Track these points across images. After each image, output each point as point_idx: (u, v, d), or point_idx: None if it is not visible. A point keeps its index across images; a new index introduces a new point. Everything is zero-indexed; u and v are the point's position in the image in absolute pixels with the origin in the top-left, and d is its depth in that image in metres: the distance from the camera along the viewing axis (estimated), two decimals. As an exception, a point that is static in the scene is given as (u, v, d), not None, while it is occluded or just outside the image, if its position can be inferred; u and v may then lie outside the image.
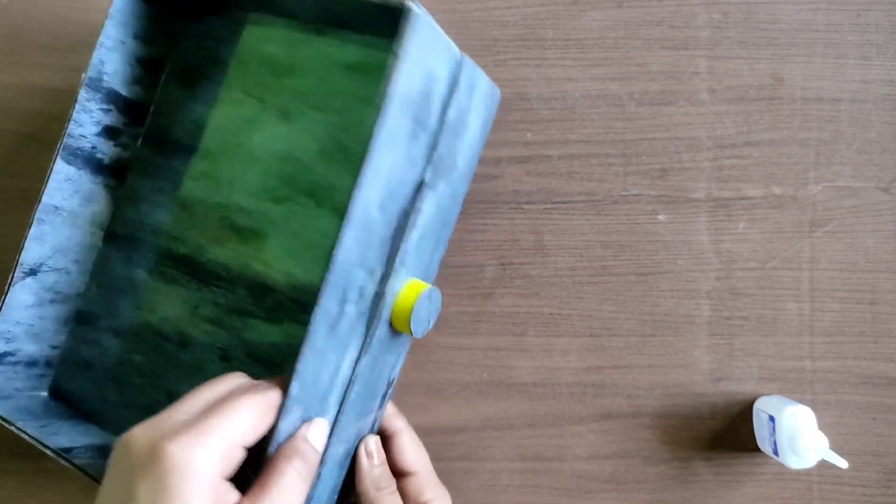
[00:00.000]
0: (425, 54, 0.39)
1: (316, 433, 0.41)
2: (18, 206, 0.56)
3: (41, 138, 0.56)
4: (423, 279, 0.47)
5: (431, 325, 0.45)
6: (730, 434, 0.54)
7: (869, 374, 0.54)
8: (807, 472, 0.53)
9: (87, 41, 0.55)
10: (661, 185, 0.54)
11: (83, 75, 0.48)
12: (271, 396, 0.38)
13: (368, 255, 0.39)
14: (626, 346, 0.54)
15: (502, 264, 0.55)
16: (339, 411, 0.42)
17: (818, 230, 0.54)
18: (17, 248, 0.50)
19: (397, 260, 0.42)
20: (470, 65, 0.44)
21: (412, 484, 0.48)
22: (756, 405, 0.53)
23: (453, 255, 0.56)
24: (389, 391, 0.49)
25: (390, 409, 0.50)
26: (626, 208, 0.55)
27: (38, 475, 0.55)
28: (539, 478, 0.54)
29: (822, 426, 0.50)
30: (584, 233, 0.55)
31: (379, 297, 0.42)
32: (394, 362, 0.48)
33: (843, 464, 0.47)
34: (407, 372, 0.56)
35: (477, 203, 0.56)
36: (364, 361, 0.42)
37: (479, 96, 0.47)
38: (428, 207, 0.44)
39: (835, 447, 0.50)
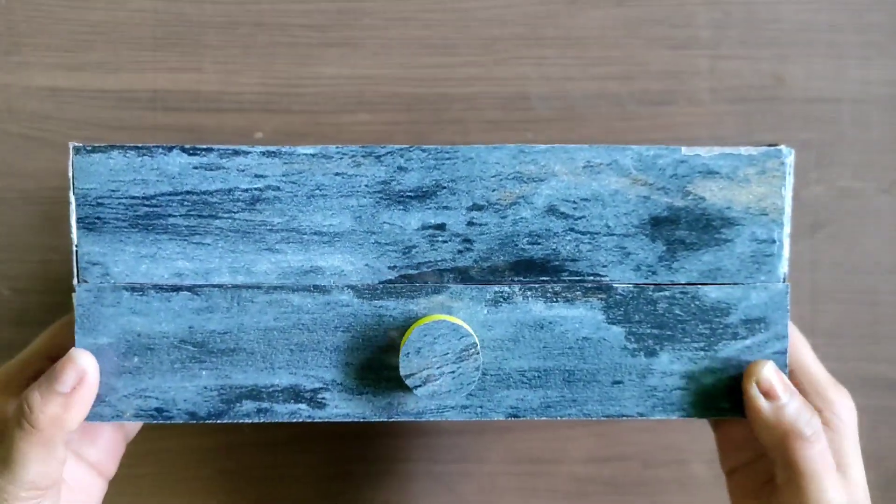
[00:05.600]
0: None
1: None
2: (18, 207, 0.56)
3: (41, 138, 0.56)
4: None
5: None
6: (729, 436, 0.54)
7: (869, 377, 0.53)
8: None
9: (89, 40, 0.55)
10: (661, 185, 0.54)
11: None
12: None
13: None
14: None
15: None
16: None
17: (819, 232, 0.54)
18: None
19: None
20: None
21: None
22: None
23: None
24: None
25: None
26: (625, 209, 0.54)
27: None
28: (537, 480, 0.54)
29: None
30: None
31: None
32: None
33: None
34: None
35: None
36: None
37: None
38: None
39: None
